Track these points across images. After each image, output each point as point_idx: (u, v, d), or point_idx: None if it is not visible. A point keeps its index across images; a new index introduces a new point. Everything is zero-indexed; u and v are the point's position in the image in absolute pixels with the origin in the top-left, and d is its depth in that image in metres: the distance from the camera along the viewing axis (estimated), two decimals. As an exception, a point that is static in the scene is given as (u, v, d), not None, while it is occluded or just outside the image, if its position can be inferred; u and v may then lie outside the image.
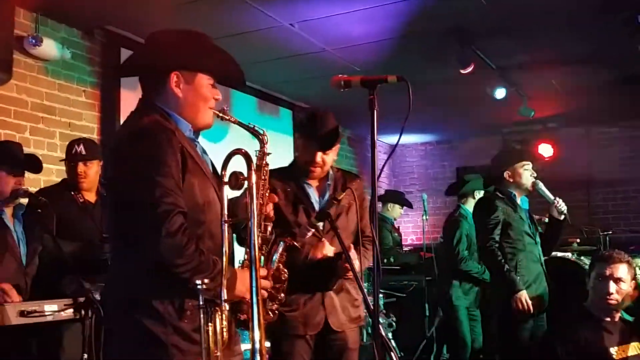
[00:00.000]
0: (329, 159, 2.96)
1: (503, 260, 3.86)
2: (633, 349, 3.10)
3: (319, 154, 2.92)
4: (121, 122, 4.76)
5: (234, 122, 2.26)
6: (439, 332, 6.03)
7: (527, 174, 4.04)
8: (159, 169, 1.95)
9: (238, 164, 2.10)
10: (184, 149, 2.04)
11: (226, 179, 2.11)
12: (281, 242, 2.51)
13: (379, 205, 6.56)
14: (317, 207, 2.93)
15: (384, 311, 5.40)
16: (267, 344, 3.93)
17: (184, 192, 2.00)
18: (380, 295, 5.34)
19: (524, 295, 3.78)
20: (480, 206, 4.21)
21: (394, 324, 5.10)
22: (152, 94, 2.17)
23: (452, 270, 5.27)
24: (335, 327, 2.90)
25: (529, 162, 4.08)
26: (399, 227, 7.67)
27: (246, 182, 2.10)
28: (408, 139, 9.33)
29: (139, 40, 5.02)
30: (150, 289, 1.99)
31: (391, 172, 9.71)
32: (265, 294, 2.22)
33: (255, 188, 2.18)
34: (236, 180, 2.14)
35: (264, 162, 2.33)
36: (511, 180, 4.08)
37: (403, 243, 7.88)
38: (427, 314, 6.07)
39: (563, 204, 3.98)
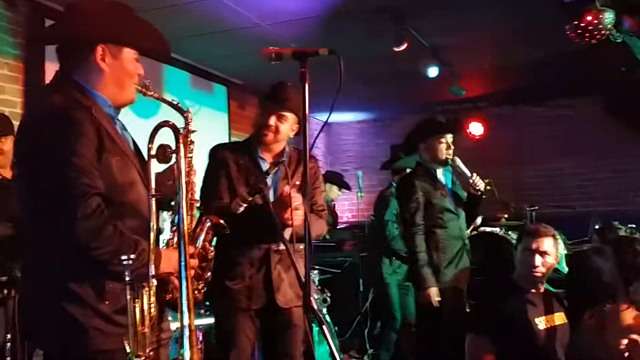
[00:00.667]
0: (283, 128, 2.94)
1: (419, 250, 3.91)
2: (557, 318, 3.22)
3: (273, 117, 2.91)
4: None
5: (156, 98, 2.21)
6: (372, 308, 6.13)
7: (442, 147, 4.06)
8: (73, 150, 1.88)
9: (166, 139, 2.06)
10: (101, 128, 1.97)
11: (153, 152, 2.07)
12: (207, 221, 2.46)
13: None
14: (270, 181, 2.91)
15: (319, 287, 5.43)
16: (211, 320, 3.93)
17: (101, 172, 1.93)
18: (315, 272, 5.37)
19: (432, 292, 3.85)
20: (401, 189, 4.25)
21: (328, 299, 5.14)
22: (71, 68, 2.08)
23: (382, 248, 5.35)
24: (282, 304, 2.90)
25: (445, 135, 4.08)
26: (334, 204, 7.72)
27: (174, 156, 2.08)
28: (344, 117, 9.36)
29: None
30: (68, 272, 1.93)
31: (327, 150, 9.74)
32: (192, 272, 2.18)
33: (184, 163, 2.15)
34: (164, 153, 2.09)
35: (189, 140, 2.28)
36: (427, 154, 4.11)
37: (339, 221, 7.94)
38: (361, 289, 6.16)
39: (480, 181, 4.01)
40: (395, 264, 5.32)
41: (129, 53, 2.11)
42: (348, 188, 6.80)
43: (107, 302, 1.95)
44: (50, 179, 1.88)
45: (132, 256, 1.91)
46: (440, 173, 4.13)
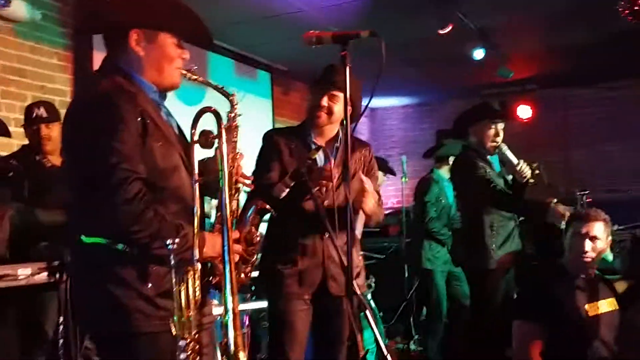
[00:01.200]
0: (336, 108, 2.89)
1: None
2: (607, 305, 3.14)
3: (325, 98, 2.87)
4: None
5: (201, 82, 2.22)
6: (418, 294, 6.09)
7: (491, 132, 3.99)
8: (116, 135, 1.90)
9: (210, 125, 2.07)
10: (145, 113, 1.98)
11: (196, 138, 2.09)
12: (252, 206, 2.48)
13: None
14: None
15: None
16: (257, 304, 3.97)
17: (144, 157, 1.95)
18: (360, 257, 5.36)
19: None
20: (461, 166, 4.18)
21: (373, 285, 5.13)
22: (115, 54, 2.10)
23: (421, 232, 5.32)
24: (335, 292, 2.87)
25: (496, 122, 4.02)
26: (379, 190, 7.68)
27: (216, 141, 2.09)
28: (388, 102, 9.29)
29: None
30: (112, 255, 1.96)
31: (371, 135, 9.68)
32: (236, 257, 2.20)
33: (226, 149, 2.16)
34: (206, 138, 2.11)
35: (234, 124, 2.28)
36: (474, 137, 4.05)
37: (384, 206, 7.90)
38: (407, 275, 6.12)
39: (527, 169, 3.88)
40: (435, 248, 5.27)
41: (165, 37, 2.11)
42: (393, 173, 6.76)
43: (150, 285, 1.97)
44: (93, 164, 1.91)
45: (176, 240, 1.94)
46: (489, 158, 4.09)
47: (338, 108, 2.89)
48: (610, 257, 4.09)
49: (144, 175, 1.94)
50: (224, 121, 2.13)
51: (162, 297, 1.96)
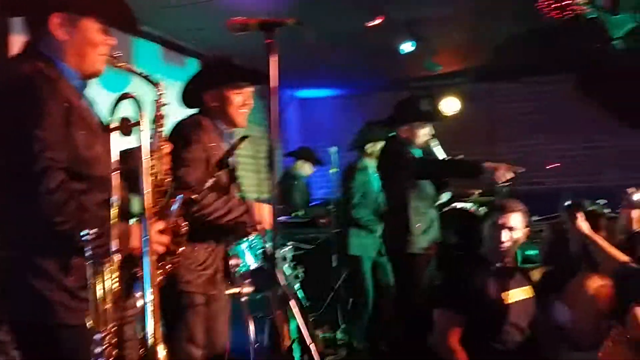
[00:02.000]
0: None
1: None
2: (524, 292, 3.26)
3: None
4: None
5: (126, 70, 2.16)
6: (346, 283, 6.15)
7: (423, 132, 4.12)
8: (38, 123, 1.85)
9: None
10: (67, 100, 1.93)
11: (114, 125, 2.04)
12: (178, 196, 2.43)
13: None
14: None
15: (292, 263, 5.43)
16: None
17: (66, 146, 1.91)
18: (289, 247, 5.36)
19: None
20: (389, 150, 4.25)
21: (301, 275, 5.14)
22: (36, 38, 2.04)
23: (347, 219, 5.39)
24: None
25: (429, 123, 4.14)
26: (307, 181, 7.70)
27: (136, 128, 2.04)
28: (318, 92, 9.30)
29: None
30: (35, 246, 1.92)
31: (301, 126, 9.68)
32: (162, 248, 2.16)
33: (152, 137, 2.12)
34: (126, 125, 2.06)
35: (160, 113, 2.24)
36: (405, 136, 4.14)
37: (314, 197, 7.93)
38: (334, 265, 6.17)
39: None
40: (361, 235, 5.35)
41: (89, 22, 2.05)
42: (321, 163, 6.79)
43: (72, 277, 1.94)
44: (15, 152, 1.85)
45: (91, 231, 1.89)
46: (412, 152, 4.18)
47: None
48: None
49: (66, 164, 1.89)
50: (151, 110, 2.11)
51: (84, 290, 1.92)
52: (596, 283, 3.09)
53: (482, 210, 5.40)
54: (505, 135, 8.53)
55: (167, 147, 2.25)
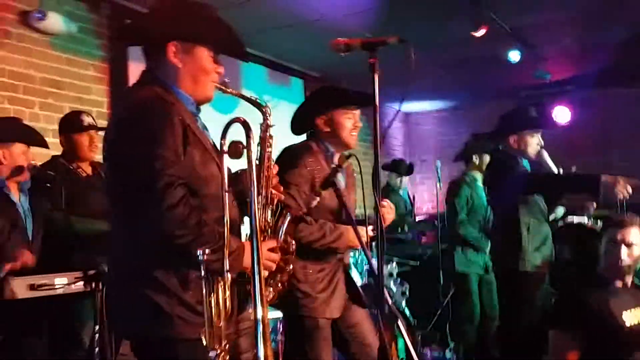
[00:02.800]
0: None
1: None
2: (646, 313, 3.06)
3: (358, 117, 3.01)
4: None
5: (235, 95, 2.24)
6: (454, 300, 6.02)
7: (534, 142, 3.94)
8: (160, 142, 1.94)
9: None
10: (185, 122, 2.02)
11: (225, 148, 2.11)
12: (288, 214, 2.48)
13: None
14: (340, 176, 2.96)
15: (398, 279, 5.38)
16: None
17: (185, 164, 1.99)
18: (395, 264, 5.33)
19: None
20: (498, 163, 4.12)
21: (407, 292, 5.09)
22: (153, 66, 2.16)
23: (453, 236, 5.26)
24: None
25: (538, 130, 3.98)
26: (414, 195, 7.63)
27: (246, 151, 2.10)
28: (422, 106, 9.22)
29: (145, 12, 4.99)
30: (154, 261, 2.00)
31: (406, 140, 9.63)
32: (273, 266, 2.21)
33: (260, 159, 2.18)
34: (235, 149, 2.13)
35: (268, 135, 2.29)
36: (516, 146, 3.99)
37: (418, 212, 7.85)
38: (442, 282, 6.06)
39: None
40: (467, 252, 5.20)
41: (202, 50, 2.15)
42: (411, 172, 6.70)
43: (190, 292, 2.00)
44: (138, 170, 1.95)
45: (207, 250, 1.96)
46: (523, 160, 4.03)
47: None
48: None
49: (186, 181, 1.97)
50: (258, 132, 2.17)
51: (201, 304, 1.96)
52: None
53: (600, 224, 5.14)
54: (620, 143, 8.08)
55: (274, 168, 2.30)
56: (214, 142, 2.23)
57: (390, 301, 2.30)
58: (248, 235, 2.29)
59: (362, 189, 2.77)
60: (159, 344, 2.02)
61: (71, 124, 3.70)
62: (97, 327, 3.15)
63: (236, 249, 2.04)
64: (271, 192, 2.28)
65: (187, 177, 1.99)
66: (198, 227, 1.96)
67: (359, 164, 2.85)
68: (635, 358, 2.91)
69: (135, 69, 4.90)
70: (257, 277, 2.01)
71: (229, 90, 2.20)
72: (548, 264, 3.88)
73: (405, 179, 6.54)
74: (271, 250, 2.17)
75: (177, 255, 1.98)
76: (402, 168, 6.57)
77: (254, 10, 5.12)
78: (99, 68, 4.98)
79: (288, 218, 2.45)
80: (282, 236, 2.45)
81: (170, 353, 2.01)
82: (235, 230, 2.15)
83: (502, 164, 4.01)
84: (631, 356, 2.91)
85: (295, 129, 3.10)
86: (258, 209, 2.09)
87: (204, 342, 1.97)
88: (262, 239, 2.12)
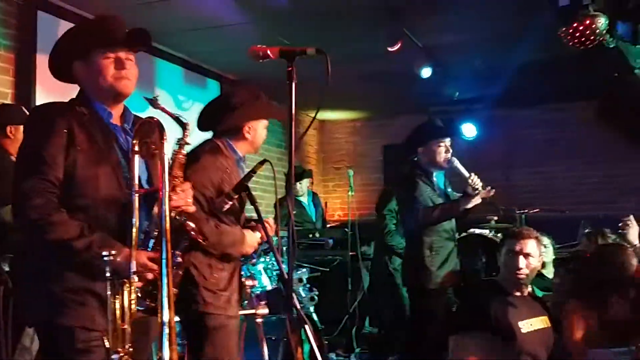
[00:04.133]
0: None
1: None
2: (541, 322, 3.23)
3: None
4: (36, 88, 4.62)
5: (162, 111, 2.27)
6: (361, 307, 6.13)
7: (441, 150, 4.09)
8: (37, 144, 2.12)
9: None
10: (76, 128, 2.15)
11: (137, 148, 2.10)
12: (186, 237, 2.43)
13: None
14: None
15: (308, 285, 5.43)
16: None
17: (64, 166, 2.11)
18: (304, 269, 5.36)
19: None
20: (402, 187, 4.25)
21: (316, 297, 5.13)
22: (79, 85, 2.32)
23: (382, 245, 5.38)
24: None
25: (444, 139, 4.13)
26: (326, 202, 7.71)
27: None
28: (337, 115, 9.35)
29: (56, 3, 4.85)
30: (46, 253, 2.11)
31: (320, 147, 9.73)
32: (151, 275, 2.17)
33: (170, 169, 2.23)
34: (147, 149, 2.13)
35: (182, 152, 2.33)
36: (426, 158, 4.14)
37: (329, 218, 7.94)
38: (350, 288, 6.16)
39: (478, 181, 4.02)
40: (395, 262, 5.33)
41: (95, 54, 2.23)
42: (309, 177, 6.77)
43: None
44: (21, 165, 2.16)
45: (112, 252, 1.94)
46: (434, 175, 4.16)
47: None
48: (550, 274, 4.22)
49: (56, 181, 2.09)
50: (175, 146, 2.29)
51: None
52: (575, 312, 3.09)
53: (500, 236, 5.39)
54: (523, 162, 8.51)
55: (186, 185, 2.33)
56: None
57: (298, 306, 2.31)
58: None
59: (276, 194, 2.81)
60: (58, 330, 2.10)
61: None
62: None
63: (102, 246, 2.05)
64: (174, 203, 2.25)
65: (64, 177, 2.11)
66: (55, 217, 2.05)
67: (273, 169, 2.87)
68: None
69: (42, 61, 4.70)
70: (164, 280, 1.99)
71: (157, 106, 2.25)
72: (451, 277, 4.04)
73: (305, 184, 6.58)
74: (151, 260, 2.14)
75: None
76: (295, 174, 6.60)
77: (171, 11, 5.05)
78: (4, 58, 4.75)
79: (185, 243, 2.39)
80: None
81: (67, 338, 2.08)
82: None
83: (407, 185, 4.13)
84: (524, 359, 3.07)
85: (207, 125, 3.09)
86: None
87: (107, 345, 1.95)
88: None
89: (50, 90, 4.37)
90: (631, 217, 4.13)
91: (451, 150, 4.13)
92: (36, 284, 2.11)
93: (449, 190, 4.30)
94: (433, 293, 3.95)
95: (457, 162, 4.08)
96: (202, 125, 3.10)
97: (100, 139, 2.20)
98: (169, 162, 2.25)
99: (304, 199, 6.63)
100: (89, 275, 2.07)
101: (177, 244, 2.27)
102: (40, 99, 4.60)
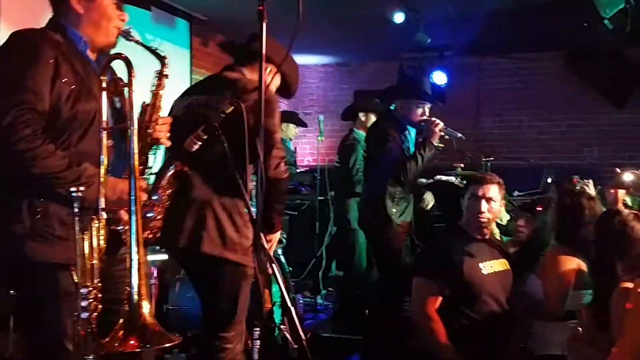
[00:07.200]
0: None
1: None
2: (500, 264, 3.35)
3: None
4: (0, 23, 4.46)
5: (137, 43, 2.28)
6: (328, 250, 6.24)
7: (419, 111, 4.15)
8: (21, 73, 2.03)
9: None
10: (59, 59, 2.09)
11: (104, 85, 2.09)
12: (171, 166, 2.47)
13: None
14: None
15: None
16: (165, 256, 3.96)
17: (50, 96, 2.06)
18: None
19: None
20: (375, 134, 4.28)
21: (284, 240, 5.20)
22: (58, 13, 2.25)
23: (349, 192, 5.43)
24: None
25: (426, 103, 4.18)
26: (295, 148, 7.72)
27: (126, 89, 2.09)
28: (308, 59, 9.26)
29: None
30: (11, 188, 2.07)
31: (290, 92, 9.66)
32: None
33: (150, 107, 2.26)
34: (115, 86, 2.12)
35: (162, 83, 2.33)
36: (402, 111, 4.18)
37: (299, 164, 7.97)
38: (317, 232, 6.26)
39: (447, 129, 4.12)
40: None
41: None
42: (304, 125, 6.80)
43: (38, 217, 2.05)
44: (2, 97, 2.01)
45: (81, 188, 1.95)
46: (408, 129, 4.20)
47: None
48: (505, 218, 4.35)
49: (40, 109, 2.03)
50: (154, 79, 2.30)
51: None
52: (567, 257, 3.19)
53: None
54: (490, 111, 8.60)
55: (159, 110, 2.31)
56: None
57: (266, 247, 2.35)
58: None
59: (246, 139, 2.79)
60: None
61: None
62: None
63: (91, 175, 2.06)
64: (155, 135, 2.29)
65: (51, 108, 2.05)
66: (41, 151, 1.99)
67: (242, 112, 2.85)
68: (484, 301, 3.19)
69: (6, 6, 4.55)
70: (133, 216, 2.01)
71: (131, 38, 2.26)
72: (408, 225, 4.16)
73: (294, 130, 6.59)
74: (141, 189, 2.15)
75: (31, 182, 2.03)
76: (296, 119, 6.62)
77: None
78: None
79: (172, 170, 2.43)
80: (161, 183, 2.44)
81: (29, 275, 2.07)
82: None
83: (381, 136, 4.15)
84: (484, 302, 3.19)
85: None
86: (141, 149, 2.17)
87: (75, 279, 1.97)
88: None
89: (15, 25, 4.24)
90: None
91: (427, 115, 4.17)
92: (16, 220, 2.05)
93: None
94: (393, 240, 4.06)
95: (450, 130, 4.14)
96: None
97: (82, 71, 2.16)
98: (155, 95, 2.28)
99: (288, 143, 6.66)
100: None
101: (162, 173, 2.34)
102: (3, 35, 4.46)
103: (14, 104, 1.98)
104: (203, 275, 2.85)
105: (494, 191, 3.26)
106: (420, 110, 4.15)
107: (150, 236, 2.38)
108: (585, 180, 4.07)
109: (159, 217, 2.39)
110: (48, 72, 2.05)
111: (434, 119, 4.10)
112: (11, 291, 2.28)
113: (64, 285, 2.05)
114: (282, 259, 5.07)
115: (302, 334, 2.14)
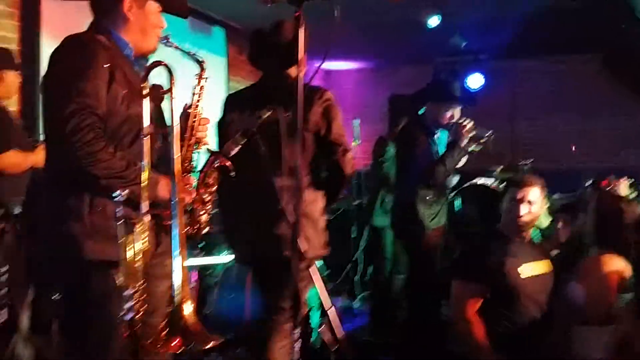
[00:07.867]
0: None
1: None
2: (541, 266, 3.30)
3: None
4: (42, 32, 4.61)
5: (176, 49, 2.38)
6: (365, 254, 6.23)
7: (447, 115, 4.13)
8: (80, 75, 2.08)
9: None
10: (114, 62, 2.16)
11: (146, 92, 2.14)
12: (215, 161, 2.53)
13: None
14: None
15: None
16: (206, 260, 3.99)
17: (107, 99, 2.12)
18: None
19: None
20: (404, 139, 4.27)
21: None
22: (101, 16, 2.30)
23: (375, 191, 5.42)
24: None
25: (454, 106, 4.15)
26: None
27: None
28: (343, 65, 9.31)
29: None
30: (68, 189, 2.14)
31: (325, 98, 9.69)
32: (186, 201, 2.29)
33: (193, 108, 2.36)
34: (157, 93, 2.18)
35: (201, 86, 2.41)
36: (430, 115, 4.16)
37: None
38: (354, 236, 6.25)
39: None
40: (387, 205, 5.39)
41: (152, 6, 2.33)
42: None
43: (98, 216, 2.12)
44: (57, 100, 2.08)
45: (124, 192, 2.00)
46: (438, 132, 4.19)
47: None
48: (545, 222, 4.28)
49: (99, 112, 2.08)
50: (195, 82, 2.38)
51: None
52: (610, 261, 3.13)
53: (503, 186, 5.43)
54: (526, 114, 8.50)
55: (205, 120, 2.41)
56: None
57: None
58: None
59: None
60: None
61: None
62: (3, 269, 3.10)
63: (150, 179, 2.10)
64: (199, 136, 2.39)
65: (107, 111, 2.12)
66: (103, 154, 2.06)
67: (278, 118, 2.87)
68: (525, 305, 3.15)
69: (48, 5, 4.68)
70: (175, 219, 2.05)
71: (170, 44, 2.35)
72: (442, 229, 4.14)
73: None
74: (184, 189, 2.27)
75: (86, 182, 2.09)
76: None
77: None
78: (9, 2, 4.72)
79: (216, 164, 2.49)
80: (205, 179, 2.49)
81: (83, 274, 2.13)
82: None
83: (409, 140, 4.14)
84: (524, 305, 3.15)
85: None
86: (186, 149, 2.30)
87: (119, 283, 2.02)
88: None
89: (56, 34, 4.36)
90: None
91: (457, 116, 4.14)
92: (76, 219, 2.11)
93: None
94: (427, 244, 4.04)
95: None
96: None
97: (130, 75, 2.23)
98: (196, 97, 2.37)
99: None
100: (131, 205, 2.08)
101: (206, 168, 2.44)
102: (46, 44, 4.59)
103: (77, 108, 2.03)
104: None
105: (534, 193, 3.22)
106: (449, 113, 4.13)
107: (195, 232, 2.44)
108: (619, 180, 4.00)
109: (203, 213, 2.43)
110: (105, 76, 2.12)
111: (461, 120, 4.07)
112: (56, 294, 2.34)
113: (116, 285, 2.08)
114: (321, 261, 5.09)
115: (340, 337, 2.15)
